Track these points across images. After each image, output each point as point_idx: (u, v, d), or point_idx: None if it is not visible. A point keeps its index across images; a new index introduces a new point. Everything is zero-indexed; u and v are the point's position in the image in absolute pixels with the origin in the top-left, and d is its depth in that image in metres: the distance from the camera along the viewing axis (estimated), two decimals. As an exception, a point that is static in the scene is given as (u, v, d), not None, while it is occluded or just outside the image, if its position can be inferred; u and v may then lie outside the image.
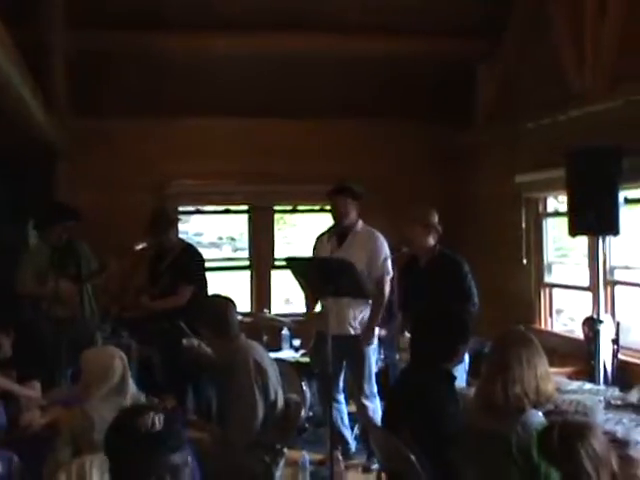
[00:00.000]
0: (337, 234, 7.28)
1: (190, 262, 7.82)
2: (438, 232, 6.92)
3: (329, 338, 6.32)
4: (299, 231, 16.73)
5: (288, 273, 6.90)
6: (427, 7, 8.92)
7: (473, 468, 4.14)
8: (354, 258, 6.67)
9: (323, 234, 7.48)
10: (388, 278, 7.14)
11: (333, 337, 6.41)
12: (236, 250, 21.96)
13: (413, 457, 4.40)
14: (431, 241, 6.89)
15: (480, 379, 4.30)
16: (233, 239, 24.06)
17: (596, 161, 6.96)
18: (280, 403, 5.48)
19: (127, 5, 8.58)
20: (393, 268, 7.18)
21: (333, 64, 9.49)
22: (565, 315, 9.59)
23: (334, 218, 7.35)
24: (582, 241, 8.19)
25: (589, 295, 8.09)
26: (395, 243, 7.38)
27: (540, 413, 4.18)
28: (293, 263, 6.89)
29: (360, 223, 7.32)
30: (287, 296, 10.96)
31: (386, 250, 7.20)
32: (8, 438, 4.90)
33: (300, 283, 7.06)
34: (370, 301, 7.10)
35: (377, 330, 7.30)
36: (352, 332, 7.15)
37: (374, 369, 7.30)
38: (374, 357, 7.31)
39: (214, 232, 17.50)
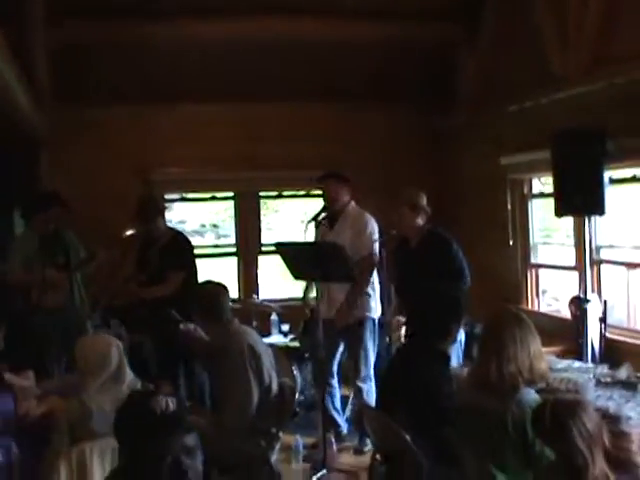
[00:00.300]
0: (329, 217, 7.32)
1: (180, 249, 7.81)
2: (427, 213, 6.96)
3: (320, 322, 6.38)
4: (282, 217, 16.81)
5: (275, 258, 6.94)
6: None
7: (468, 445, 4.20)
8: (344, 239, 6.76)
9: (316, 216, 7.46)
10: (374, 258, 7.17)
11: (327, 321, 6.46)
12: (219, 237, 22.00)
13: (408, 437, 4.46)
14: (419, 222, 6.93)
15: (475, 358, 4.35)
16: (216, 226, 24.12)
17: (581, 143, 7.03)
18: (274, 387, 5.53)
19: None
20: (383, 251, 7.20)
21: (318, 49, 9.50)
22: (549, 295, 9.69)
23: (325, 203, 7.39)
24: (566, 222, 8.28)
25: (575, 275, 8.18)
26: (384, 226, 7.40)
27: (533, 391, 4.25)
28: (283, 248, 6.94)
29: (352, 205, 7.37)
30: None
31: (373, 230, 7.25)
32: (5, 427, 4.89)
33: (290, 268, 7.08)
34: None
35: (378, 314, 7.35)
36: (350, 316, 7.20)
37: (372, 352, 7.34)
38: (372, 340, 7.35)
39: (197, 219, 17.50)
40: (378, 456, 5.14)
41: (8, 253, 8.00)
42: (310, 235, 7.34)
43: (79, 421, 4.57)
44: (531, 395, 4.19)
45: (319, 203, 7.59)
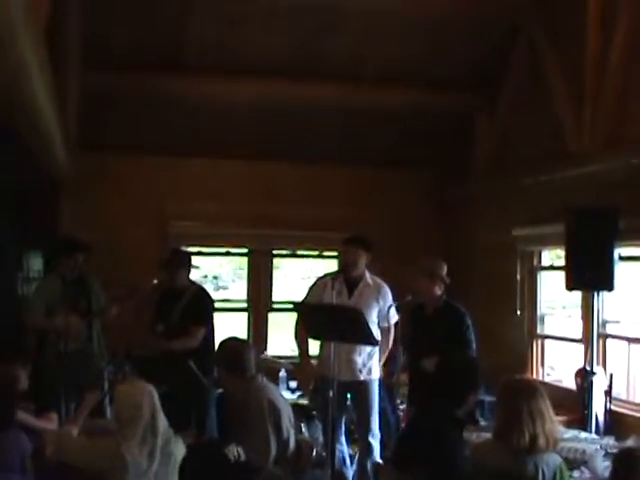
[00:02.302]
0: (346, 282, 7.50)
1: (204, 304, 8.01)
2: (445, 283, 7.16)
3: (334, 382, 6.56)
4: (282, 274, 16.98)
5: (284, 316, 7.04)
6: (429, 60, 9.29)
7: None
8: (365, 307, 6.97)
9: (325, 277, 7.68)
10: (393, 325, 7.40)
11: (341, 382, 6.65)
12: (218, 289, 22.11)
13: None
14: (437, 291, 7.13)
15: (498, 424, 4.55)
16: (216, 277, 24.24)
17: (594, 219, 7.30)
18: (292, 443, 5.69)
19: (139, 46, 8.88)
20: (397, 314, 7.45)
21: (338, 113, 9.81)
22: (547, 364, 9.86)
23: (343, 266, 7.60)
24: (572, 295, 8.50)
25: (579, 347, 8.38)
26: (398, 291, 7.60)
27: (557, 454, 4.48)
28: (301, 307, 7.15)
29: (367, 275, 7.57)
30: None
31: (391, 299, 7.46)
32: (35, 468, 5.01)
33: (307, 327, 7.24)
34: (376, 348, 7.36)
35: (379, 374, 7.55)
36: (361, 377, 7.39)
37: (377, 411, 7.53)
38: (377, 400, 7.54)
39: (196, 271, 17.62)
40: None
41: (31, 296, 8.18)
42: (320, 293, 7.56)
43: (113, 471, 4.66)
44: (557, 457, 4.47)
45: (327, 263, 7.76)
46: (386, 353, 7.55)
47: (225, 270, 26.83)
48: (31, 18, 3.60)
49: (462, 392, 5.10)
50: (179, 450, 4.88)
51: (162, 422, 4.90)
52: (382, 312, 7.41)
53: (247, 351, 5.85)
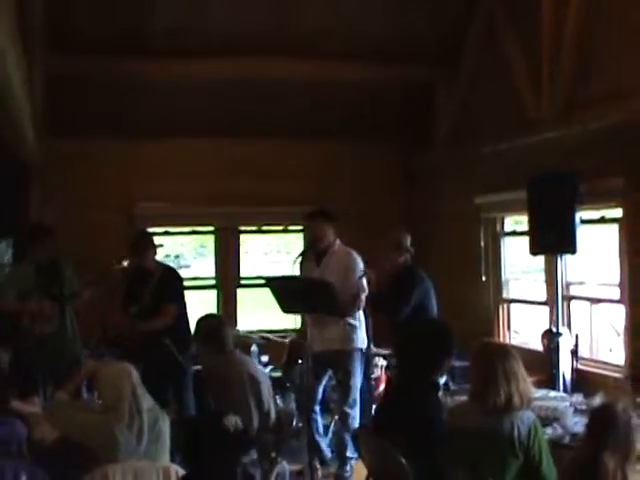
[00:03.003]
0: (315, 254, 7.66)
1: (173, 283, 8.13)
2: (410, 252, 7.39)
3: (309, 352, 6.73)
4: (243, 250, 17.10)
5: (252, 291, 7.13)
6: (389, 33, 9.40)
7: (466, 465, 4.59)
8: (331, 276, 7.11)
9: (303, 253, 7.83)
10: (363, 295, 7.53)
11: (317, 353, 6.82)
12: (180, 267, 22.14)
13: (403, 460, 4.82)
14: (401, 260, 7.36)
15: (474, 386, 4.74)
16: (177, 257, 24.33)
17: (555, 185, 7.51)
18: (273, 414, 5.84)
19: (104, 30, 8.89)
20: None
21: (301, 88, 9.91)
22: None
23: (311, 240, 7.75)
24: (532, 259, 8.72)
25: (544, 309, 8.60)
26: (366, 262, 7.75)
27: (531, 412, 4.68)
28: (272, 283, 7.28)
29: (337, 243, 7.72)
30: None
31: (360, 268, 7.59)
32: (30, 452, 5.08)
33: (279, 302, 7.39)
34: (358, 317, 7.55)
35: (364, 345, 7.70)
36: (338, 347, 7.54)
37: (358, 380, 7.69)
38: (359, 369, 7.69)
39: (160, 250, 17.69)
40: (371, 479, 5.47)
41: (2, 283, 8.23)
42: (296, 271, 7.69)
43: (105, 449, 4.75)
44: (531, 415, 4.67)
45: (294, 238, 7.91)
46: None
47: (187, 249, 26.90)
48: (5, 4, 3.65)
49: (436, 358, 5.25)
50: (166, 427, 5.01)
51: (146, 400, 5.01)
52: (347, 277, 7.53)
53: (225, 327, 6.00)
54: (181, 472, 4.72)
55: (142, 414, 4.86)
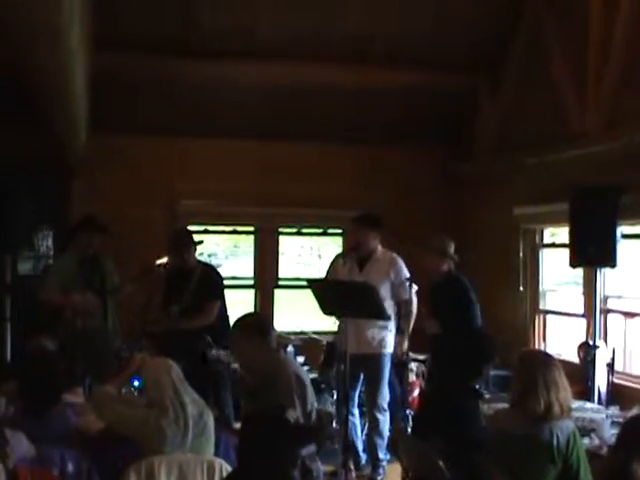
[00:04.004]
0: (357, 259, 7.76)
1: (214, 281, 8.23)
2: (454, 260, 7.42)
3: (347, 355, 6.81)
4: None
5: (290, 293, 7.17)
6: (434, 40, 9.45)
7: (505, 471, 4.66)
8: (374, 282, 7.20)
9: (339, 256, 7.96)
10: (415, 298, 7.64)
11: (353, 355, 6.91)
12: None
13: (442, 463, 4.90)
14: (445, 268, 7.39)
15: (515, 393, 4.82)
16: (210, 255, 24.48)
17: (597, 198, 7.58)
18: (314, 414, 5.90)
19: (152, 30, 9.00)
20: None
21: (345, 93, 9.99)
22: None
23: (353, 245, 7.86)
24: (569, 271, 8.77)
25: (581, 322, 8.64)
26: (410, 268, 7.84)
27: (571, 422, 4.76)
28: (314, 285, 7.37)
29: (380, 249, 7.81)
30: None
31: (406, 273, 7.71)
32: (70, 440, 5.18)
33: (320, 304, 7.49)
34: (388, 323, 7.61)
35: (392, 348, 7.79)
36: (371, 350, 7.64)
37: (387, 385, 7.79)
38: (388, 373, 7.80)
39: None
40: (410, 481, 5.56)
41: (47, 273, 8.36)
42: (325, 268, 7.81)
43: (152, 442, 4.85)
44: (570, 425, 4.75)
45: (327, 241, 7.99)
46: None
47: (221, 248, 27.04)
48: (79, 8, 3.78)
49: (477, 364, 5.33)
50: (211, 421, 5.11)
51: (189, 394, 5.08)
52: (395, 285, 7.64)
53: (270, 325, 6.06)
54: (225, 466, 4.84)
55: (185, 409, 4.94)
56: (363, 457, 8.02)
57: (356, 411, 7.91)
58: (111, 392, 5.34)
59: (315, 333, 9.74)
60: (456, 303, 7.26)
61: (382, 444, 7.82)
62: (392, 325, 7.81)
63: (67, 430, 5.18)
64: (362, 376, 7.83)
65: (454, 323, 7.09)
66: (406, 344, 7.88)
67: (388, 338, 7.78)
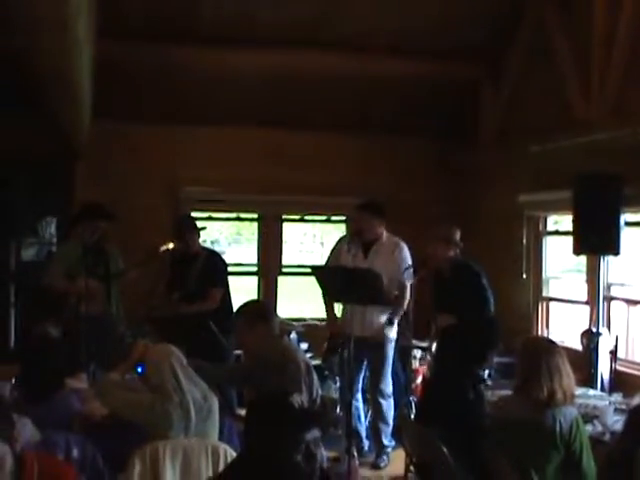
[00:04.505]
0: (362, 245, 7.78)
1: (218, 267, 8.28)
2: (459, 247, 7.42)
3: (351, 340, 6.83)
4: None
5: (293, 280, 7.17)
6: (437, 30, 9.42)
7: (509, 456, 4.69)
8: (379, 268, 7.22)
9: (342, 240, 7.98)
10: (408, 285, 7.65)
11: (358, 338, 6.93)
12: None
13: (445, 448, 4.94)
14: (451, 254, 7.37)
15: (518, 380, 4.85)
16: (213, 242, 24.57)
17: (600, 186, 7.57)
18: (319, 401, 5.92)
19: (153, 16, 8.99)
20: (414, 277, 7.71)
21: (347, 81, 9.98)
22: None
23: (356, 231, 7.87)
24: (572, 259, 8.78)
25: (584, 309, 8.66)
26: (414, 256, 7.85)
27: (574, 408, 4.79)
28: (318, 271, 7.40)
29: (385, 235, 7.84)
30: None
31: (408, 259, 7.73)
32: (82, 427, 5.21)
33: (323, 290, 7.52)
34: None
35: (395, 334, 7.82)
36: (375, 335, 7.69)
37: (390, 371, 7.83)
38: (391, 359, 7.83)
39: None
40: (412, 467, 5.58)
41: (51, 259, 8.38)
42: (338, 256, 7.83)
43: (158, 427, 4.88)
44: (574, 411, 4.81)
45: (331, 228, 8.02)
46: (399, 311, 7.80)
47: (223, 236, 27.12)
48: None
49: (482, 351, 5.36)
50: (215, 406, 5.14)
51: (192, 379, 5.08)
52: (395, 268, 7.66)
53: (273, 311, 6.09)
54: (230, 451, 4.87)
55: (185, 394, 4.96)
56: (366, 443, 8.06)
57: (359, 397, 7.94)
58: (115, 379, 5.35)
59: (318, 320, 9.77)
60: (470, 291, 7.18)
61: (387, 430, 7.85)
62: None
63: (71, 416, 5.22)
64: (366, 362, 7.85)
65: (469, 311, 6.91)
66: (394, 329, 7.87)
67: (394, 324, 7.81)
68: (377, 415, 7.89)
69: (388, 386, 7.84)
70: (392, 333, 7.83)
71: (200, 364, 5.52)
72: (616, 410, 6.00)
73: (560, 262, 10.47)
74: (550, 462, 4.63)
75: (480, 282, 7.15)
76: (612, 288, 8.46)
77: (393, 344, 7.84)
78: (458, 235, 7.39)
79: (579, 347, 8.22)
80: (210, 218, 11.03)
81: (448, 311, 6.93)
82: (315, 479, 3.36)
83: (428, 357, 7.79)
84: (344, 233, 10.97)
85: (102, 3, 8.28)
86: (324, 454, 6.49)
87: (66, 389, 5.46)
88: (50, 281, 8.17)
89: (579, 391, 6.51)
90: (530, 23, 9.34)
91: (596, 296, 8.05)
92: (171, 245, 8.17)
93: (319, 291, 7.76)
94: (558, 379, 4.72)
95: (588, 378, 7.64)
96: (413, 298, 7.71)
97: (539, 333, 9.39)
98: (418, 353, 8.95)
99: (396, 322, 7.85)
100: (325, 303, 8.03)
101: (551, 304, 9.66)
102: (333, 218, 11.70)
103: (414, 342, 8.41)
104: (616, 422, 5.66)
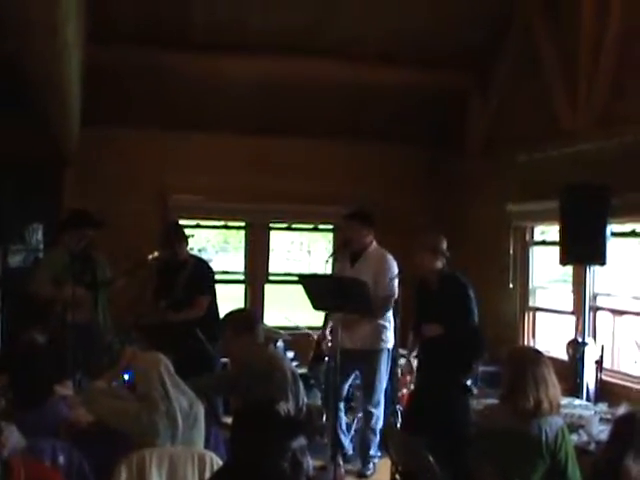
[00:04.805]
0: (350, 255, 7.80)
1: (205, 274, 8.28)
2: (446, 257, 7.41)
3: (337, 351, 6.84)
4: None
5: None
6: (427, 38, 9.46)
7: (494, 465, 4.71)
8: (365, 277, 7.23)
9: (335, 253, 8.01)
10: (392, 299, 7.66)
11: (345, 351, 6.94)
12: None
13: (431, 458, 4.94)
14: (439, 265, 7.36)
15: (504, 389, 4.86)
16: (200, 250, 24.52)
17: (588, 197, 7.60)
18: (305, 409, 5.93)
19: (143, 22, 9.00)
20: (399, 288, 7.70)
21: (337, 89, 10.02)
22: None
23: (345, 240, 7.90)
24: (558, 269, 8.82)
25: (570, 319, 8.69)
26: (401, 264, 7.86)
27: (560, 418, 4.80)
28: (305, 280, 7.41)
29: (373, 245, 7.85)
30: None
31: (394, 271, 7.72)
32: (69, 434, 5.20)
33: (311, 299, 7.51)
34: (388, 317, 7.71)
35: (392, 345, 7.81)
36: (367, 346, 7.70)
37: (384, 380, 7.82)
38: (385, 369, 7.82)
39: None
40: (398, 476, 5.59)
41: (38, 266, 8.35)
42: (329, 269, 7.86)
43: (144, 436, 4.86)
44: (559, 420, 4.83)
45: (318, 237, 8.05)
46: (380, 317, 7.75)
47: (211, 244, 27.08)
48: (74, 3, 3.80)
49: (468, 360, 5.38)
50: (201, 414, 5.13)
51: (179, 387, 5.08)
52: (379, 279, 7.65)
53: (259, 319, 6.10)
54: (216, 459, 4.86)
55: (172, 402, 4.95)
56: (350, 450, 8.06)
57: (342, 405, 7.94)
58: (102, 386, 5.35)
59: (305, 328, 9.79)
60: (457, 303, 7.18)
61: (374, 440, 7.85)
62: (388, 320, 7.84)
63: (60, 423, 5.21)
64: (356, 371, 7.86)
65: (455, 322, 6.93)
66: (390, 339, 7.87)
67: (384, 334, 7.81)
68: (366, 425, 7.89)
69: (379, 395, 7.85)
70: (387, 343, 7.84)
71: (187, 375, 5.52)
72: (601, 420, 6.02)
73: (546, 272, 10.49)
74: (535, 471, 4.64)
75: (467, 294, 7.16)
76: (598, 298, 8.49)
77: (387, 353, 7.83)
78: (445, 244, 7.40)
79: (565, 357, 8.24)
80: (198, 226, 11.00)
81: (434, 322, 6.95)
82: None
83: (411, 365, 7.78)
84: (331, 242, 11.04)
85: (92, 8, 8.32)
86: (310, 462, 6.52)
87: (56, 396, 5.44)
88: (36, 288, 8.11)
89: (565, 401, 6.53)
90: (518, 33, 9.39)
91: (582, 306, 8.07)
92: (156, 253, 8.15)
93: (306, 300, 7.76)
94: (544, 389, 4.74)
95: (574, 388, 7.67)
96: (400, 307, 7.69)
97: (525, 343, 9.42)
98: (403, 362, 8.95)
99: (391, 331, 7.84)
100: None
101: (537, 314, 9.68)
102: (320, 227, 11.69)
103: (400, 351, 8.42)
104: (601, 432, 5.68)
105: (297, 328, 9.84)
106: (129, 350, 5.59)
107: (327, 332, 8.08)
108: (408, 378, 8.60)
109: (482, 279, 9.48)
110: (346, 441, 8.07)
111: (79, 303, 7.92)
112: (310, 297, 7.26)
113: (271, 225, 11.14)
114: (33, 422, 4.93)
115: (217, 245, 27.81)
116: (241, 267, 11.31)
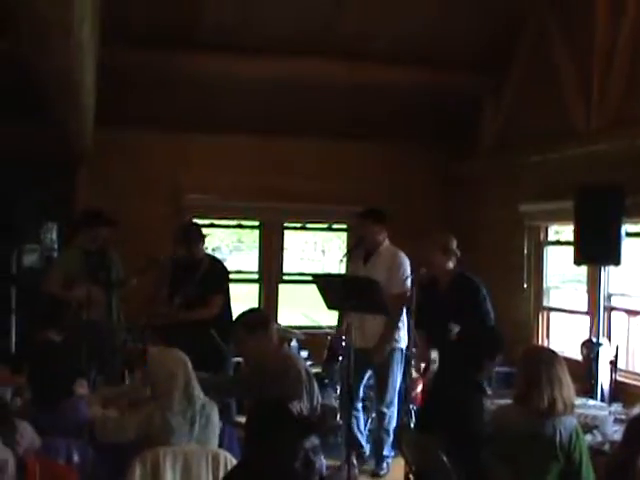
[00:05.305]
0: (364, 253, 7.81)
1: (220, 274, 8.30)
2: (457, 256, 7.37)
3: (351, 350, 6.84)
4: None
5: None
6: (438, 39, 9.44)
7: (508, 465, 4.70)
8: (378, 276, 7.23)
9: (349, 252, 8.02)
10: (405, 295, 7.65)
11: (359, 350, 6.93)
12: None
13: (444, 457, 4.94)
14: (450, 265, 7.32)
15: (518, 389, 4.85)
16: (214, 249, 24.59)
17: (602, 197, 7.59)
18: (319, 409, 5.93)
19: (155, 23, 8.98)
20: (412, 287, 7.67)
21: (348, 90, 9.97)
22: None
23: (358, 239, 7.91)
24: (572, 269, 8.80)
25: (585, 319, 8.67)
26: (413, 264, 7.85)
27: (574, 418, 4.79)
28: (319, 279, 7.41)
29: (386, 243, 7.86)
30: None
31: (406, 269, 7.72)
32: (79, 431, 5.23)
33: (324, 298, 7.51)
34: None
35: (405, 344, 7.81)
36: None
37: (397, 380, 7.81)
38: (398, 368, 7.82)
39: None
40: (411, 476, 5.59)
41: (52, 265, 8.38)
42: (343, 269, 7.86)
43: (159, 435, 4.90)
44: (573, 421, 4.80)
45: (331, 236, 8.07)
46: (396, 321, 7.77)
47: (224, 243, 27.15)
48: (89, 4, 3.82)
49: (483, 359, 5.37)
50: (215, 413, 5.15)
51: (197, 388, 5.13)
52: (392, 277, 7.67)
53: (272, 319, 6.10)
54: (230, 458, 4.88)
55: (194, 403, 4.99)
56: (367, 447, 8.06)
57: (359, 406, 7.94)
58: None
59: (319, 328, 9.79)
60: (470, 304, 7.13)
61: (388, 440, 7.86)
62: (402, 320, 7.83)
63: (79, 422, 5.25)
64: (369, 371, 7.86)
65: (469, 323, 6.74)
66: (403, 339, 7.87)
67: (397, 333, 7.82)
68: (380, 425, 7.89)
69: (393, 395, 7.84)
70: (400, 343, 7.83)
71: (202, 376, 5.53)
72: (616, 420, 6.01)
73: (561, 272, 10.48)
74: (549, 472, 4.64)
75: (481, 295, 7.11)
76: (612, 298, 8.46)
77: (400, 353, 7.83)
78: (455, 244, 7.35)
79: (579, 357, 8.20)
80: (212, 225, 11.01)
81: (445, 322, 6.93)
82: None
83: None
84: (345, 241, 11.05)
85: (105, 10, 8.35)
86: (323, 462, 6.52)
87: (76, 396, 5.48)
88: (47, 287, 8.15)
89: (579, 401, 6.52)
90: (531, 33, 9.38)
91: (596, 306, 8.06)
92: (168, 255, 8.20)
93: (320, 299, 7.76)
94: (558, 389, 4.73)
95: (588, 388, 7.64)
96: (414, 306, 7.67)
97: (539, 343, 9.39)
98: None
99: (404, 331, 7.83)
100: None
101: (551, 314, 9.66)
102: (334, 226, 11.71)
103: (414, 350, 8.40)
104: (616, 432, 5.67)
105: (317, 326, 9.80)
106: (152, 349, 5.60)
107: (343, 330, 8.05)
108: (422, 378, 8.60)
109: (496, 279, 9.46)
110: (363, 440, 8.06)
111: (94, 302, 7.97)
112: (324, 296, 7.26)
113: (285, 225, 11.16)
114: (51, 421, 4.98)
115: (231, 244, 27.87)
116: (255, 267, 11.31)
